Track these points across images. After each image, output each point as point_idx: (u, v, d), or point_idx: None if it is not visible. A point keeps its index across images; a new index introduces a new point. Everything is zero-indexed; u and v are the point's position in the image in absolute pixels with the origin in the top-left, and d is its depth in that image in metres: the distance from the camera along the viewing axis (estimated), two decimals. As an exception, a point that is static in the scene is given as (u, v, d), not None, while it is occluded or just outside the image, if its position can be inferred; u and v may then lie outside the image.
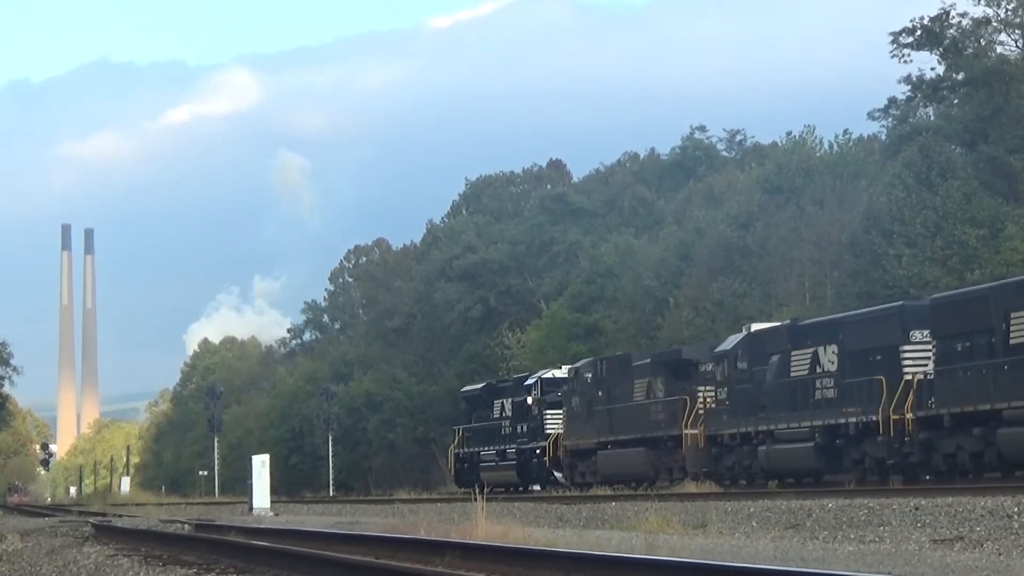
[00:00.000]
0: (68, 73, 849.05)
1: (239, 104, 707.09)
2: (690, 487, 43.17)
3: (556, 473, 58.51)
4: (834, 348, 41.35)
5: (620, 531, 25.01)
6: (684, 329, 72.21)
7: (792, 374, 43.11)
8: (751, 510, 26.73)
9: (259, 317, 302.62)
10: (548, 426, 59.26)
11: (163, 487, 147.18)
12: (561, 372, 60.10)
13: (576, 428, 55.93)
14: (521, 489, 60.46)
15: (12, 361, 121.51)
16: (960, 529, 20.57)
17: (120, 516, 45.76)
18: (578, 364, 58.21)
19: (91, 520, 38.35)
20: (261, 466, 47.89)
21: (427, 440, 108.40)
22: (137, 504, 73.48)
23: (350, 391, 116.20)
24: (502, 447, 63.31)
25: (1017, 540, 18.66)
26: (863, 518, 23.44)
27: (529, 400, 61.27)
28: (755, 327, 47.44)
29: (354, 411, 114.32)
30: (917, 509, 23.46)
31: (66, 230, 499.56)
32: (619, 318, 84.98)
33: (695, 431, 47.84)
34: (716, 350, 47.94)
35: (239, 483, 77.13)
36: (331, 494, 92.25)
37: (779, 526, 24.16)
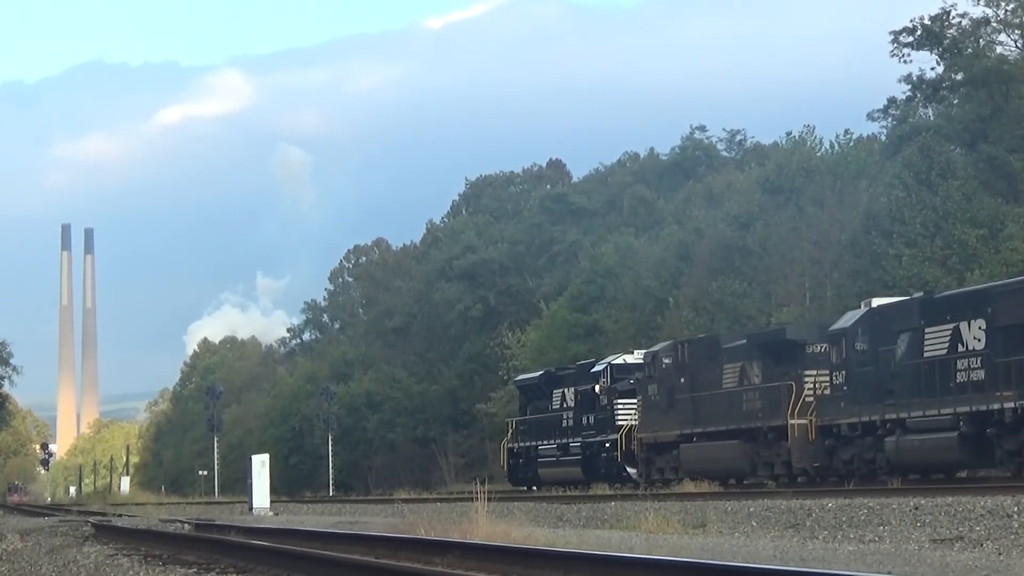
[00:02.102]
0: (62, 74, 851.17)
1: (234, 105, 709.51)
2: (689, 487, 42.98)
3: (629, 469, 53.26)
4: (980, 323, 36.25)
5: (620, 531, 25.00)
6: (684, 329, 72.22)
7: (926, 354, 37.83)
8: (751, 510, 26.73)
9: (266, 318, 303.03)
10: (619, 417, 54.00)
11: (163, 487, 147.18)
12: (633, 357, 55.08)
13: (654, 419, 50.64)
14: (586, 487, 53.92)
15: (12, 361, 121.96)
16: (960, 529, 20.57)
17: (120, 516, 45.73)
18: (655, 348, 52.99)
19: (91, 520, 38.33)
20: (261, 466, 47.81)
21: (427, 440, 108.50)
22: (137, 504, 73.45)
23: (350, 391, 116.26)
24: (564, 441, 58.09)
25: (1017, 540, 18.66)
26: (863, 518, 23.45)
27: (597, 389, 55.78)
28: (876, 302, 41.81)
29: (354, 411, 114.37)
30: (917, 509, 23.46)
31: (66, 230, 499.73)
32: (619, 318, 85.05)
33: (803, 421, 42.47)
34: (831, 328, 42.24)
35: (239, 483, 77.12)
36: (331, 494, 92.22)
37: (779, 526, 24.16)
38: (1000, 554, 17.22)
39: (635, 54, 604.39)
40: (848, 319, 41.86)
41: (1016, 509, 21.47)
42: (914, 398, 38.04)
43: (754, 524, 24.89)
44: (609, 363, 56.46)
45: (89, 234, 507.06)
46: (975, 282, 49.39)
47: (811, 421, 42.27)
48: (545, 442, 59.75)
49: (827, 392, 42.01)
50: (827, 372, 42.05)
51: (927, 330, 38.16)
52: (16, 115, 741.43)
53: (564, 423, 58.48)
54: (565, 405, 58.87)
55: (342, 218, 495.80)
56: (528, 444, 61.42)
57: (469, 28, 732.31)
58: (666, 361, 50.59)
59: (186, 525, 32.10)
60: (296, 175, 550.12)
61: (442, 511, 30.39)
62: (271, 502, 48.10)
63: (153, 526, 32.14)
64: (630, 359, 55.38)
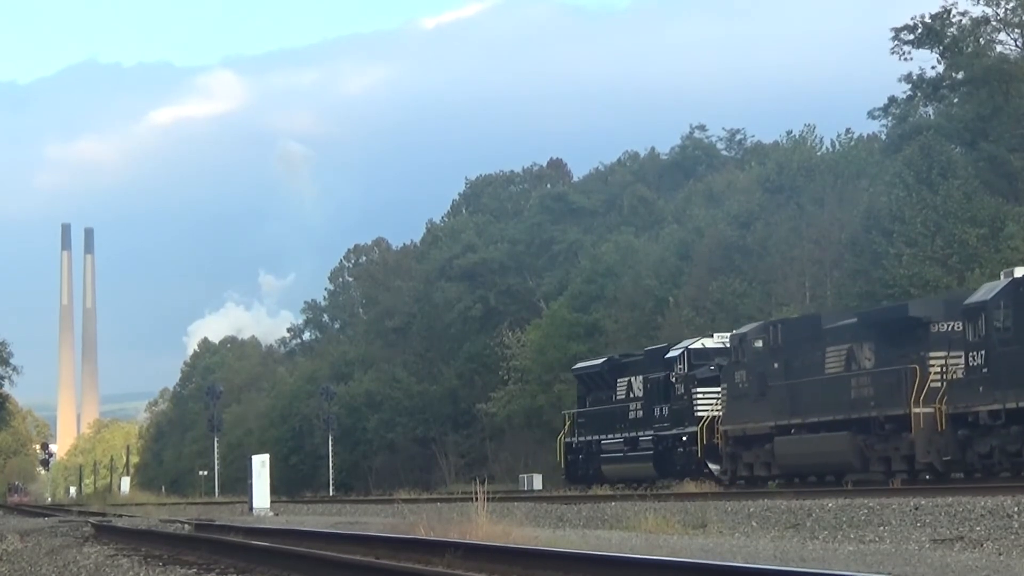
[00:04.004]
0: (55, 75, 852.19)
1: (228, 105, 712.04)
2: (689, 487, 42.91)
3: (711, 465, 48.17)
4: None
5: (620, 531, 25.02)
6: (684, 328, 72.26)
7: None
8: (751, 510, 26.73)
9: (272, 319, 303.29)
10: (699, 407, 49.06)
11: (163, 487, 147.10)
12: (713, 341, 50.72)
13: (741, 409, 45.63)
14: (659, 485, 49.22)
15: (12, 361, 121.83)
16: (960, 529, 20.57)
17: (120, 516, 45.72)
18: (744, 330, 47.49)
19: (91, 520, 38.32)
20: (261, 466, 47.79)
21: (427, 440, 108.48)
22: (137, 504, 73.42)
23: (350, 391, 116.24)
24: (632, 434, 53.04)
25: (1017, 540, 18.66)
26: (863, 518, 23.44)
27: (673, 377, 51.01)
28: (1020, 272, 36.13)
29: (354, 411, 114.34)
30: (917, 509, 23.45)
31: (66, 230, 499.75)
32: (619, 317, 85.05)
33: (930, 409, 37.39)
34: (967, 302, 36.77)
35: (239, 483, 77.10)
36: (331, 494, 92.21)
37: (779, 526, 24.16)
38: (1000, 554, 17.21)
39: (633, 54, 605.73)
40: (987, 292, 36.44)
41: (1016, 509, 21.47)
42: None
43: (754, 524, 24.89)
44: (686, 348, 51.56)
45: (89, 234, 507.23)
46: (976, 282, 49.18)
47: (940, 409, 37.21)
48: (609, 436, 54.92)
49: (960, 375, 36.64)
50: (960, 353, 36.70)
51: None
52: (10, 116, 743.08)
53: (631, 415, 53.57)
54: (632, 395, 53.94)
55: (343, 218, 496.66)
56: (588, 438, 56.58)
57: (463, 28, 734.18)
58: (757, 344, 45.49)
59: (186, 525, 32.10)
60: (297, 170, 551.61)
61: (442, 511, 30.38)
62: (271, 502, 48.09)
63: (153, 526, 32.13)
64: (709, 343, 50.95)
